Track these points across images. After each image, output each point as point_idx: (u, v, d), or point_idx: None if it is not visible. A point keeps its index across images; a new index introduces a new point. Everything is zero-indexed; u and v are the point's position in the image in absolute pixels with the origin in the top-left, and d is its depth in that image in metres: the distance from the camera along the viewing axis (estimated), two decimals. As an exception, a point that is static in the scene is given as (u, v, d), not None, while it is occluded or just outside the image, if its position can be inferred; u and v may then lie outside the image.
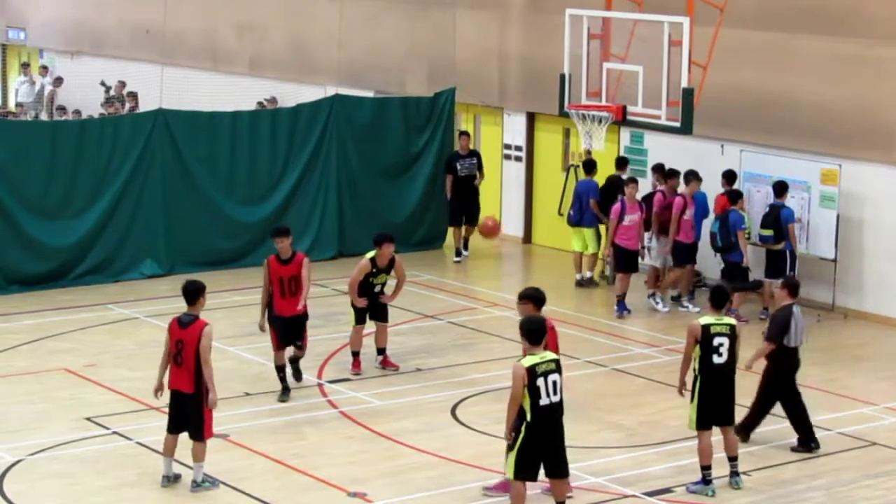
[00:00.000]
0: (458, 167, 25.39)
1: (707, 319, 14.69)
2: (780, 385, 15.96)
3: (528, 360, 13.04)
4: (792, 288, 16.08)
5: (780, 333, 15.79)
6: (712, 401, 14.66)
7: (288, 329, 17.42)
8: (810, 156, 21.91)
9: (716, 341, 14.59)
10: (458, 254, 25.45)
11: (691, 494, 14.60)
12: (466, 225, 25.55)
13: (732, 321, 14.88)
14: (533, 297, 14.33)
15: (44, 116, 33.67)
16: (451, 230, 25.87)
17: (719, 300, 14.91)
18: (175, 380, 14.46)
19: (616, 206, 21.80)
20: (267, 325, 17.53)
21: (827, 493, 14.77)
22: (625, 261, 21.79)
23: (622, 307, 21.65)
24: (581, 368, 18.74)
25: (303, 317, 17.50)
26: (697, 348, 14.61)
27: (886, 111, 21.25)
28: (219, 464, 14.86)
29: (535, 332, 13.21)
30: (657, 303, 22.03)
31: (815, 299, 22.15)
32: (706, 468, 14.66)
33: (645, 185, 23.20)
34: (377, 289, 18.45)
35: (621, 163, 23.65)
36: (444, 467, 15.31)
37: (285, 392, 17.44)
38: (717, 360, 14.61)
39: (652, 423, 16.80)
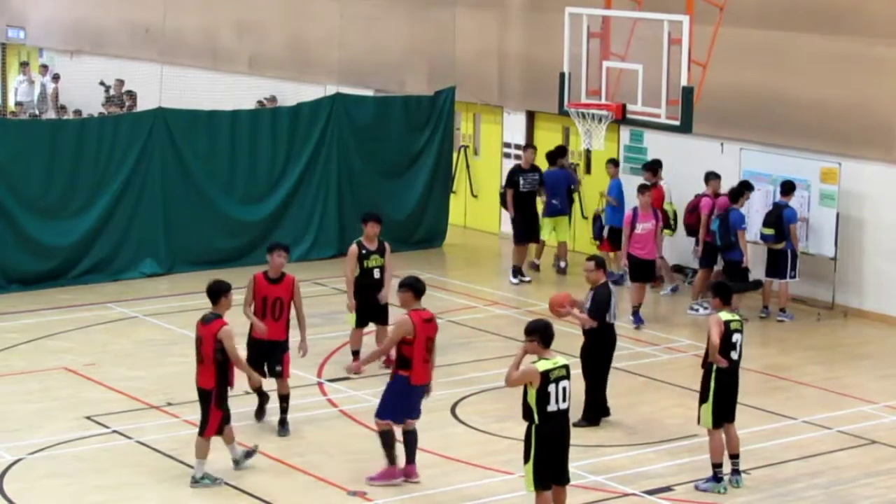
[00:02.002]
0: (521, 182, 23.95)
1: (726, 315, 14.69)
2: (605, 361, 16.58)
3: (543, 365, 12.96)
4: (604, 264, 16.96)
5: (604, 311, 16.32)
6: (727, 397, 14.68)
7: (266, 355, 16.23)
8: (810, 154, 21.91)
9: (734, 338, 14.63)
10: (516, 274, 23.71)
11: (698, 492, 14.57)
12: (534, 244, 24.26)
13: (741, 317, 14.96)
14: (412, 286, 14.76)
15: (51, 114, 33.61)
16: (514, 248, 24.03)
17: (727, 295, 14.95)
18: (198, 376, 14.65)
19: (628, 214, 21.30)
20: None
21: (826, 492, 14.76)
22: (638, 271, 21.13)
23: (638, 318, 20.93)
24: (580, 367, 18.71)
25: (284, 342, 16.29)
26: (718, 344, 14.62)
27: (886, 110, 21.24)
28: (219, 462, 14.85)
29: (549, 336, 13.15)
30: (697, 309, 21.69)
31: (815, 298, 22.15)
32: (718, 465, 14.66)
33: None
34: (376, 274, 18.23)
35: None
36: (443, 466, 15.31)
37: (261, 411, 16.60)
38: (733, 355, 14.64)
39: (651, 421, 16.79)
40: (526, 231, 23.95)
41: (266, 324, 16.18)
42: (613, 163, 23.96)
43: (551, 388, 12.92)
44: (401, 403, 14.61)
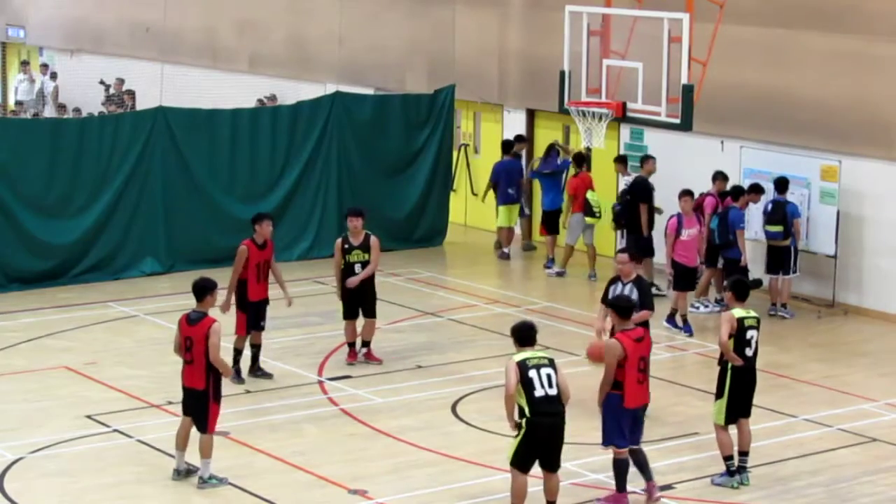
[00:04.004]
0: (654, 195, 22.52)
1: (739, 312, 14.67)
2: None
3: (519, 355, 13.26)
4: (636, 257, 17.04)
5: (653, 299, 16.45)
6: (741, 394, 14.68)
7: (258, 312, 17.84)
8: (810, 152, 21.90)
9: (748, 334, 14.62)
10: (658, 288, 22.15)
11: (699, 490, 14.58)
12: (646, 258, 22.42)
13: (757, 314, 14.91)
14: (618, 306, 14.39)
15: (48, 113, 33.59)
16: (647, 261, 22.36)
17: (744, 292, 14.94)
18: (188, 377, 14.52)
19: (672, 221, 20.77)
20: (232, 308, 17.80)
21: (827, 490, 14.76)
22: (683, 279, 20.68)
23: (688, 327, 20.51)
24: (581, 365, 18.71)
25: (267, 299, 17.96)
26: (731, 342, 14.57)
27: (886, 107, 21.23)
28: (220, 461, 14.84)
29: (523, 335, 13.41)
30: (698, 307, 21.61)
31: (816, 296, 22.15)
32: (729, 458, 14.69)
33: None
34: (357, 269, 18.39)
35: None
36: (444, 464, 15.31)
37: (238, 375, 17.78)
38: (748, 352, 14.64)
39: (652, 419, 16.74)
40: (651, 245, 22.54)
41: (259, 286, 17.81)
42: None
43: (532, 373, 13.12)
44: (618, 425, 14.08)
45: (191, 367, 14.44)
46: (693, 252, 20.74)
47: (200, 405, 14.45)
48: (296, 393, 17.60)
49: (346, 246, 18.37)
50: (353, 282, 18.40)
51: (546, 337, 19.49)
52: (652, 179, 22.93)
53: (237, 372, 17.78)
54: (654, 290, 20.86)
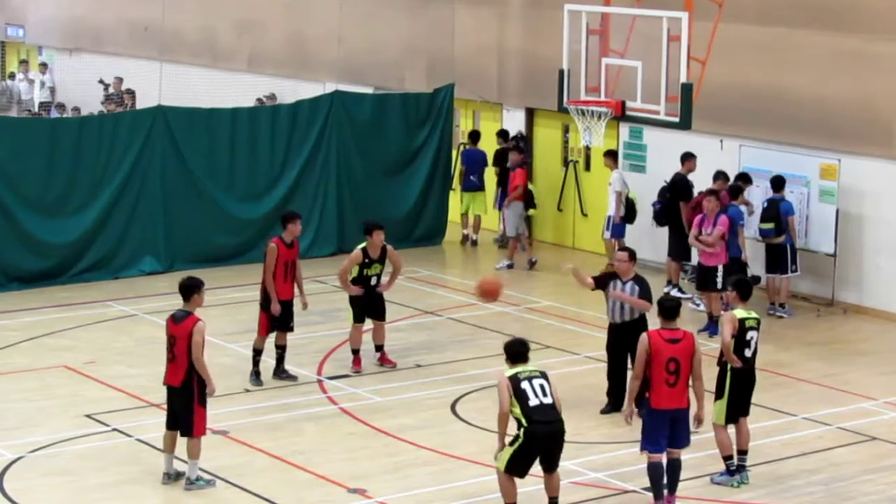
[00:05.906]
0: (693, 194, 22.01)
1: (741, 313, 14.67)
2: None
3: (511, 370, 13.22)
4: (634, 254, 16.84)
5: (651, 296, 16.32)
6: (741, 395, 14.69)
7: (285, 312, 17.74)
8: (810, 150, 21.91)
9: (748, 335, 14.62)
10: (681, 290, 22.27)
11: (698, 488, 14.59)
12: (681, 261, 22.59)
13: (758, 315, 14.92)
14: (660, 304, 14.18)
15: (13, 114, 33.35)
16: (670, 264, 22.59)
17: (748, 292, 14.92)
18: (169, 375, 14.50)
19: (697, 219, 20.53)
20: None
21: (826, 489, 14.76)
22: (702, 277, 20.51)
23: (710, 326, 20.24)
24: (581, 364, 18.75)
25: (292, 299, 17.86)
26: (732, 342, 14.55)
27: (886, 106, 21.24)
28: (219, 460, 14.86)
29: (515, 352, 13.38)
30: (699, 304, 21.46)
31: (815, 294, 22.16)
32: (728, 458, 14.70)
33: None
34: (373, 281, 18.34)
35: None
36: (444, 464, 15.31)
37: (258, 377, 17.84)
38: (747, 353, 14.64)
39: (652, 418, 16.77)
40: (686, 246, 21.78)
41: (286, 285, 17.76)
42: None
43: (525, 384, 13.08)
44: (650, 428, 13.85)
45: (173, 365, 14.39)
46: (707, 252, 20.27)
47: (182, 405, 14.36)
48: (295, 392, 17.60)
49: (367, 260, 18.25)
50: (385, 287, 18.48)
51: (546, 336, 19.57)
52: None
53: (256, 374, 17.82)
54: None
